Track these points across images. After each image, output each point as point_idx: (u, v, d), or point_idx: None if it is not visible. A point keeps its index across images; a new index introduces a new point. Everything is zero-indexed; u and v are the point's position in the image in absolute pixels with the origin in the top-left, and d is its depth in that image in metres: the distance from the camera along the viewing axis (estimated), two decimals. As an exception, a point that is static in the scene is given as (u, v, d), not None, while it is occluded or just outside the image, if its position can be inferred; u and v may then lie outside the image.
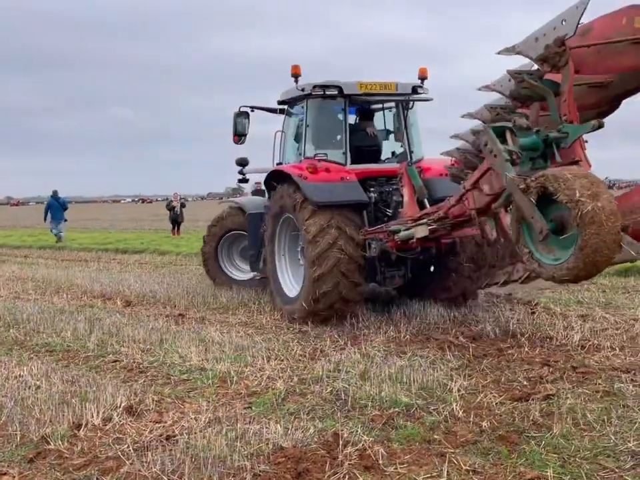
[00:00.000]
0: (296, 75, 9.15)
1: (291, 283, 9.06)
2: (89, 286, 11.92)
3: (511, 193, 5.01)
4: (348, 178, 8.41)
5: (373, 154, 9.53)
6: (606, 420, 4.64)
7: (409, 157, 9.23)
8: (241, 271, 11.71)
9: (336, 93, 8.89)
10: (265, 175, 10.19)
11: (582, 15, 4.40)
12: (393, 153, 9.74)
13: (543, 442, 4.32)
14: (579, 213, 4.15)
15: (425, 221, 7.27)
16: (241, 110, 10.31)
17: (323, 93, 8.87)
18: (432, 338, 7.34)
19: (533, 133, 5.21)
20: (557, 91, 5.10)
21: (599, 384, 5.51)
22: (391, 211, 8.70)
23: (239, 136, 10.39)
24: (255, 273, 10.54)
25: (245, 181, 11.08)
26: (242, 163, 10.75)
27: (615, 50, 4.66)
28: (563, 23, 4.55)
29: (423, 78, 9.41)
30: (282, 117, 10.14)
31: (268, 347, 7.02)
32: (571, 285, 10.53)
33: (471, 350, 6.70)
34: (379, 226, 8.18)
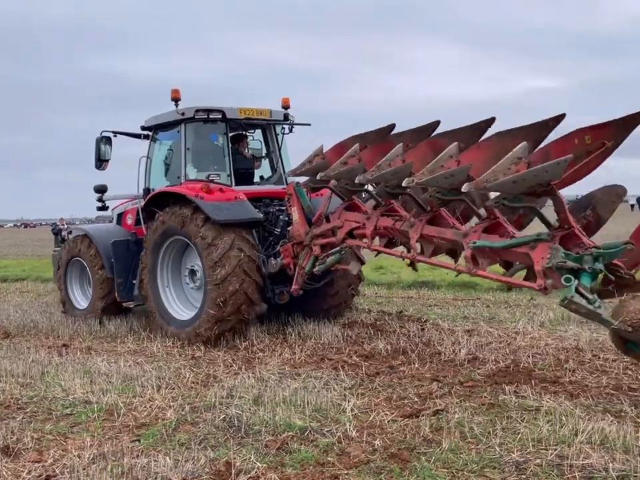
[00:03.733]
0: (176, 99, 9.23)
1: (179, 307, 9.06)
2: (-38, 318, 11.11)
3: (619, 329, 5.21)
4: (240, 197, 8.61)
5: (249, 176, 9.86)
6: (491, 432, 4.80)
7: (283, 179, 9.73)
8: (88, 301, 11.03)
9: (219, 117, 9.12)
10: (127, 201, 10.57)
11: (564, 169, 5.05)
12: (262, 177, 10.15)
13: (433, 457, 4.40)
14: None
15: (336, 250, 7.98)
16: (103, 135, 10.07)
17: (207, 116, 9.07)
18: (326, 358, 7.38)
19: (586, 270, 5.33)
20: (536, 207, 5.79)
21: (485, 397, 5.71)
22: (278, 230, 8.95)
23: (101, 161, 10.15)
24: (133, 302, 10.26)
25: (104, 208, 10.75)
26: (101, 189, 10.48)
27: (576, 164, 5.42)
28: (546, 172, 5.21)
29: (286, 107, 9.87)
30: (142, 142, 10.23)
31: (158, 375, 6.78)
32: (458, 301, 11.32)
33: (364, 368, 6.79)
34: (296, 272, 8.48)
